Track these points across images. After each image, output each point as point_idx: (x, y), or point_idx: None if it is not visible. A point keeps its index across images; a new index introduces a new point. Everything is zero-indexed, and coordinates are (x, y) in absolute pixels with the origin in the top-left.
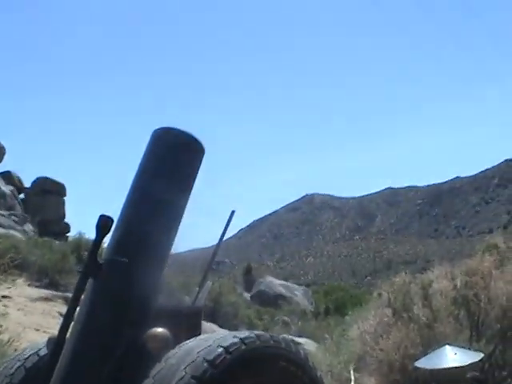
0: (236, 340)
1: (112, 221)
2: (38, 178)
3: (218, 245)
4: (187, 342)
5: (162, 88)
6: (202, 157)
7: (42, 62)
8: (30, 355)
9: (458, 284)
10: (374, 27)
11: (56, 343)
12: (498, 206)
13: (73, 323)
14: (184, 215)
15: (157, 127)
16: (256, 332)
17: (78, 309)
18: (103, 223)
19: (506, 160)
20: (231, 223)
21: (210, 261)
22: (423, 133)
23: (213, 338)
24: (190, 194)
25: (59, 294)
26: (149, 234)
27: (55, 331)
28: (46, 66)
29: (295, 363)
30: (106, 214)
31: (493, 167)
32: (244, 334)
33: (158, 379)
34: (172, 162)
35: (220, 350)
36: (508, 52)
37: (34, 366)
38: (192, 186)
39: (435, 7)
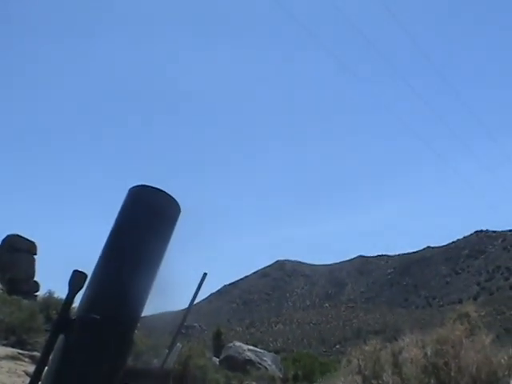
0: None
1: (86, 276)
2: (8, 236)
3: (189, 308)
4: None
5: (140, 146)
6: (178, 216)
7: (13, 119)
8: None
9: (429, 352)
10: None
11: None
12: (468, 277)
13: (41, 382)
14: (157, 275)
15: (133, 185)
16: None
17: (46, 367)
18: (77, 279)
19: (476, 231)
20: (202, 286)
21: (181, 324)
22: (396, 202)
23: None
24: (164, 253)
25: (26, 352)
26: (122, 292)
27: None
28: (17, 122)
29: None
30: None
31: (463, 238)
32: None
33: None
34: (147, 220)
35: None
36: (480, 124)
37: None
38: (167, 246)
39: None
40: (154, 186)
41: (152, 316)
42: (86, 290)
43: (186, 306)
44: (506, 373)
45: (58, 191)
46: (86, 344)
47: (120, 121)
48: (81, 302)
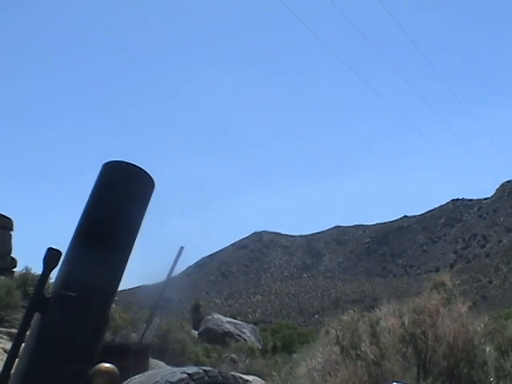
0: (184, 376)
1: (60, 254)
2: None
3: (167, 281)
4: (135, 377)
5: (112, 121)
6: (152, 191)
7: None
8: None
9: (406, 322)
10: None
11: (0, 378)
12: (444, 246)
13: (18, 359)
14: (132, 251)
15: (106, 161)
16: (204, 368)
17: (23, 344)
18: (51, 256)
19: (452, 200)
20: (180, 260)
21: (158, 297)
22: (372, 171)
23: (161, 374)
24: (139, 229)
25: (4, 329)
26: (97, 269)
27: None
28: None
29: None
30: (55, 247)
31: (440, 207)
32: (192, 369)
33: None
34: (121, 196)
35: None
36: (457, 93)
37: None
38: (141, 221)
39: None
40: (127, 161)
41: (129, 290)
42: (60, 267)
43: (164, 279)
44: (483, 340)
45: (34, 167)
46: (62, 321)
47: (99, 97)
48: (56, 279)
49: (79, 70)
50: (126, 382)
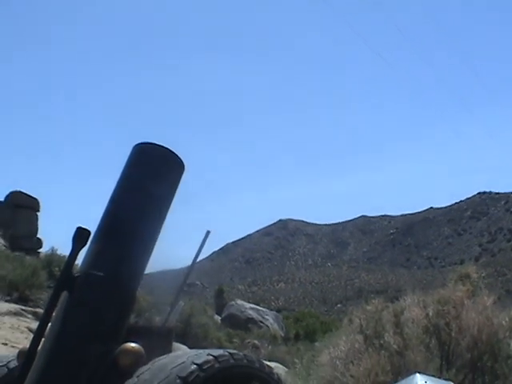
0: (210, 358)
1: (89, 233)
2: (11, 192)
3: (192, 266)
4: (160, 358)
5: (140, 105)
6: (182, 173)
7: (13, 76)
8: None
9: (430, 313)
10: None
11: (27, 356)
12: (470, 238)
13: (44, 338)
14: (160, 233)
15: (137, 142)
16: (230, 350)
17: (49, 324)
18: (80, 235)
19: (479, 193)
20: (205, 244)
21: (183, 281)
22: (399, 162)
23: (186, 355)
24: (168, 210)
25: (29, 309)
26: (125, 249)
27: (23, 346)
28: (17, 76)
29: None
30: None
31: (466, 199)
32: (218, 351)
33: None
34: (151, 178)
35: (193, 367)
36: (484, 84)
37: (3, 379)
38: (171, 202)
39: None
40: (158, 143)
41: (154, 273)
42: (89, 247)
43: (189, 263)
44: (507, 334)
45: (62, 147)
46: (89, 301)
47: (126, 77)
48: (84, 258)
49: (93, 58)
50: (152, 362)
